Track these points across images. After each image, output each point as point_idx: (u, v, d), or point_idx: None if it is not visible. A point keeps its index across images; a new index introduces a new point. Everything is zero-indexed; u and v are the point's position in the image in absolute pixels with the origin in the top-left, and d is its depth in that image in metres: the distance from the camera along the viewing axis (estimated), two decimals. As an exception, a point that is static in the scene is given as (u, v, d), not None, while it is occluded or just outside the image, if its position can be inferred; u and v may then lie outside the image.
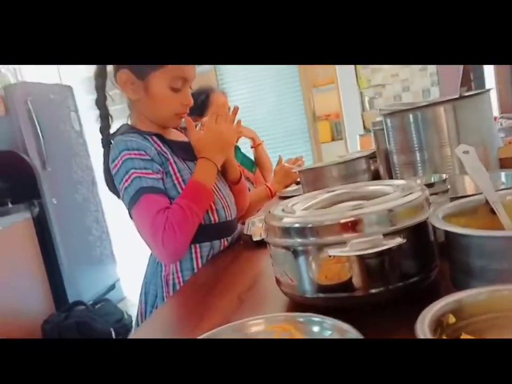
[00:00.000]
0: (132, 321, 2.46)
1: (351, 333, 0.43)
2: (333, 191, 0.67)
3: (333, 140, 4.09)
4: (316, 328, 0.47)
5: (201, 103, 1.78)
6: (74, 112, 3.26)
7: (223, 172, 1.14)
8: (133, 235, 1.69)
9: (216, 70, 4.00)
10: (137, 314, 1.08)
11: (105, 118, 1.05)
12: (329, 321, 0.46)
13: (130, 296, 3.16)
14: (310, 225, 0.53)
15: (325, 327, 0.46)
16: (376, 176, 1.27)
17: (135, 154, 0.94)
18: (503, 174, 0.83)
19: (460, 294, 0.39)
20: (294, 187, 1.63)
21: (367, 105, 3.89)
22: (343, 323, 0.45)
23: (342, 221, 0.52)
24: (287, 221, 0.57)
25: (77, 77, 3.96)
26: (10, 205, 2.58)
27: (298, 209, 0.61)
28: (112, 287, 3.20)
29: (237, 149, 2.02)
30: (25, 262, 2.55)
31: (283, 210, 0.62)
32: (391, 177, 1.10)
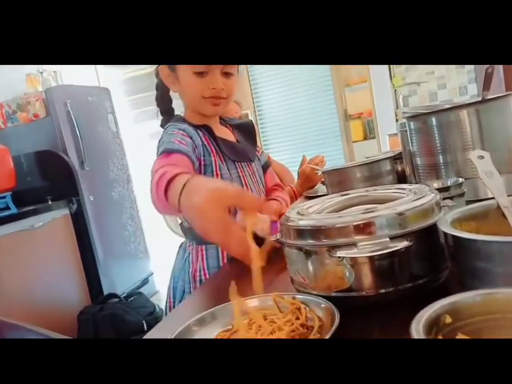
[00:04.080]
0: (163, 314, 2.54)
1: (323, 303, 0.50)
2: (347, 194, 0.69)
3: (365, 138, 4.05)
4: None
5: None
6: (111, 114, 3.38)
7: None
8: (165, 231, 1.75)
9: (248, 71, 4.03)
10: (165, 308, 1.13)
11: (165, 113, 1.12)
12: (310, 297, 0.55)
13: (163, 290, 3.26)
14: (320, 228, 0.56)
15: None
16: (401, 177, 1.27)
17: (181, 134, 0.98)
18: (525, 178, 0.82)
19: (456, 296, 0.41)
20: (319, 186, 1.64)
21: (401, 103, 3.83)
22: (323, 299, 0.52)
23: (351, 224, 0.54)
24: (300, 223, 0.59)
25: (115, 80, 4.10)
26: (50, 202, 2.72)
27: (312, 212, 0.64)
28: (146, 281, 3.31)
29: None
30: (64, 256, 2.68)
31: (298, 212, 0.64)
32: (417, 179, 1.10)
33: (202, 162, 1.02)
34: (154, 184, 0.71)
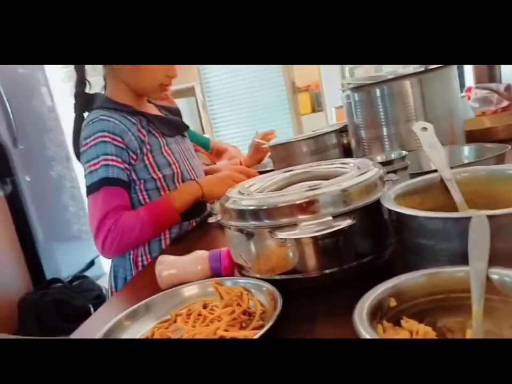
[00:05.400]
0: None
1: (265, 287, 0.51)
2: (290, 171, 0.66)
3: (313, 111, 4.06)
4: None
5: None
6: (45, 86, 3.15)
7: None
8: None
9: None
10: (108, 298, 1.07)
11: (81, 83, 1.02)
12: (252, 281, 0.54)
13: (111, 272, 3.15)
14: (262, 208, 0.53)
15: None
16: (347, 150, 1.27)
17: (110, 138, 0.92)
18: (466, 148, 0.83)
19: (399, 278, 0.39)
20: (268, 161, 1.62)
21: (347, 75, 3.85)
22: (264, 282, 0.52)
23: (293, 203, 0.51)
24: (240, 203, 0.55)
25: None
26: (-19, 184, 2.52)
27: (254, 190, 0.60)
28: (91, 263, 3.18)
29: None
30: (1, 241, 2.50)
31: (239, 192, 0.61)
32: (361, 152, 1.10)
33: (139, 152, 0.97)
34: (101, 237, 0.90)
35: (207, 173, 1.21)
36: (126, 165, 0.94)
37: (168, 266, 0.64)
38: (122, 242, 0.91)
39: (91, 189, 0.92)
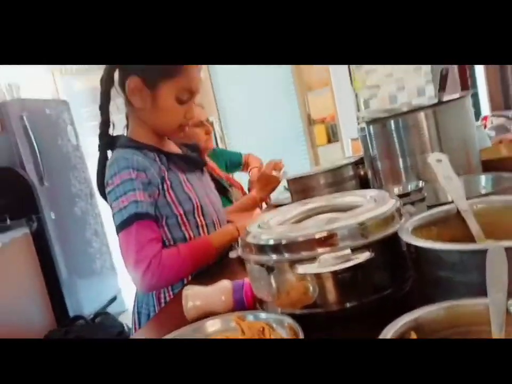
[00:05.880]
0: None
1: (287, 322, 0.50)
2: (309, 203, 0.67)
3: (329, 142, 4.09)
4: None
5: None
6: (70, 125, 3.28)
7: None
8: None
9: (211, 78, 4.01)
10: (131, 335, 1.07)
11: (105, 124, 1.06)
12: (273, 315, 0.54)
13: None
14: (281, 242, 0.54)
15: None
16: (364, 182, 1.28)
17: (135, 175, 0.95)
18: (483, 178, 0.83)
19: (419, 311, 0.40)
20: (286, 195, 1.62)
21: (362, 106, 3.89)
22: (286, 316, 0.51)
23: (312, 236, 0.52)
24: (260, 238, 0.57)
25: (73, 91, 3.99)
26: (8, 221, 2.59)
27: (274, 224, 0.62)
28: (114, 299, 3.20)
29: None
30: (25, 278, 2.55)
31: (259, 226, 0.62)
32: (378, 183, 1.11)
33: (161, 187, 1.00)
34: (141, 270, 0.90)
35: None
36: (152, 200, 0.97)
37: (194, 297, 0.68)
38: (162, 277, 0.92)
39: (122, 226, 0.94)
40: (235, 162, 2.06)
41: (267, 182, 1.52)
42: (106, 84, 1.03)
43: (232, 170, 2.07)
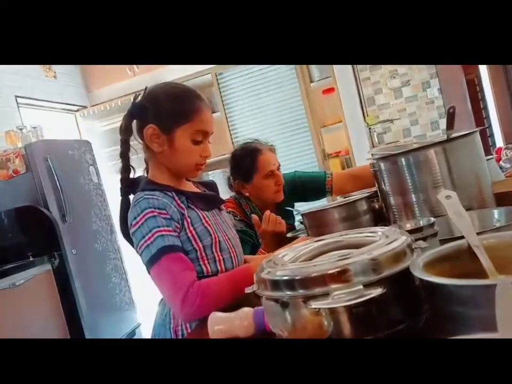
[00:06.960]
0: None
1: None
2: (321, 240, 0.69)
3: (345, 176, 4.11)
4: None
5: (247, 168, 1.74)
6: (92, 166, 3.38)
7: None
8: (151, 280, 1.72)
9: (227, 116, 4.11)
10: None
11: (126, 169, 1.12)
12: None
13: (150, 344, 3.14)
14: (294, 278, 0.56)
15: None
16: (379, 215, 1.29)
17: (157, 212, 0.99)
18: (496, 212, 0.84)
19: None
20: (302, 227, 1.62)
21: (376, 140, 3.93)
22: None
23: (325, 272, 0.54)
24: (274, 274, 0.59)
25: (95, 131, 4.14)
26: (31, 258, 2.65)
27: (287, 260, 0.64)
28: (133, 333, 3.20)
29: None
30: (46, 313, 2.58)
31: (273, 262, 0.64)
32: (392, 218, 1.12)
33: (181, 223, 1.03)
34: (180, 299, 0.93)
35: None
36: (177, 234, 1.01)
37: (218, 321, 0.73)
38: (202, 305, 0.93)
39: (152, 262, 0.96)
40: (319, 182, 1.99)
41: (270, 237, 1.48)
42: (126, 133, 1.09)
43: None
